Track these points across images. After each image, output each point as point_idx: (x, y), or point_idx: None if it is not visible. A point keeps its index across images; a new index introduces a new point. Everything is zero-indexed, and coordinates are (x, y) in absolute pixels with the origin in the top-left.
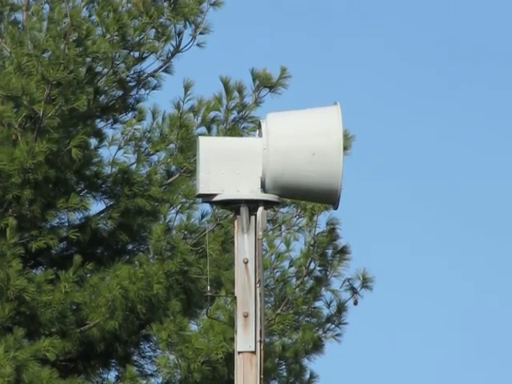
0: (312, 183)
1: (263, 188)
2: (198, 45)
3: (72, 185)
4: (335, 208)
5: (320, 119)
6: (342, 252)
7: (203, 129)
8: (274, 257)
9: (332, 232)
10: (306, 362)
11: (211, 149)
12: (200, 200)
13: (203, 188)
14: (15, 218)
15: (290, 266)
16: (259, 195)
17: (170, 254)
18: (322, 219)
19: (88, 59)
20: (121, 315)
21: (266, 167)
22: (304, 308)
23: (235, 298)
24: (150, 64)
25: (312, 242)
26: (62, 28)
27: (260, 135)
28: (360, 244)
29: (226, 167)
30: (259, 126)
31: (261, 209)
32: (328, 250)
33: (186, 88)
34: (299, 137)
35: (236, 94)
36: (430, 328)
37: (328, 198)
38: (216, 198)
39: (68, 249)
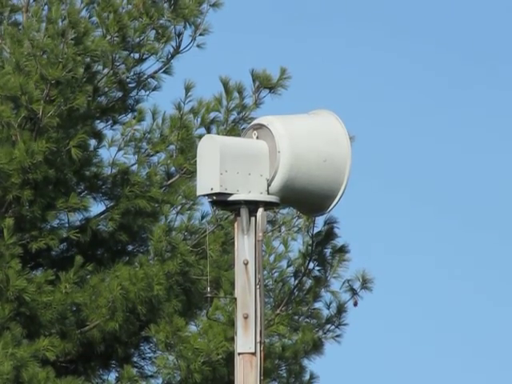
0: (316, 189)
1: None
2: (198, 46)
3: (72, 185)
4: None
5: (329, 126)
6: (341, 251)
7: (203, 130)
8: (273, 257)
9: (330, 231)
10: (305, 362)
11: (227, 148)
12: (199, 200)
13: (222, 187)
14: (14, 219)
15: (289, 266)
16: (260, 196)
17: (171, 255)
18: (320, 219)
19: (87, 58)
20: (121, 316)
21: (278, 169)
22: (304, 309)
23: (235, 299)
24: (150, 65)
25: (310, 242)
26: (59, 27)
27: (258, 137)
28: (360, 244)
29: (240, 168)
30: (252, 128)
31: (261, 210)
32: (327, 250)
33: (187, 89)
34: (313, 142)
35: (236, 94)
36: (430, 329)
37: (322, 204)
38: (231, 198)
39: (68, 250)
